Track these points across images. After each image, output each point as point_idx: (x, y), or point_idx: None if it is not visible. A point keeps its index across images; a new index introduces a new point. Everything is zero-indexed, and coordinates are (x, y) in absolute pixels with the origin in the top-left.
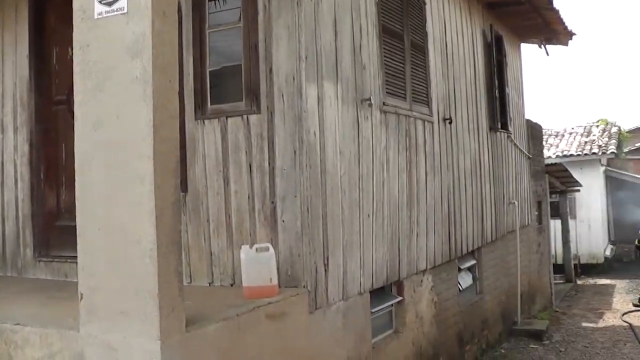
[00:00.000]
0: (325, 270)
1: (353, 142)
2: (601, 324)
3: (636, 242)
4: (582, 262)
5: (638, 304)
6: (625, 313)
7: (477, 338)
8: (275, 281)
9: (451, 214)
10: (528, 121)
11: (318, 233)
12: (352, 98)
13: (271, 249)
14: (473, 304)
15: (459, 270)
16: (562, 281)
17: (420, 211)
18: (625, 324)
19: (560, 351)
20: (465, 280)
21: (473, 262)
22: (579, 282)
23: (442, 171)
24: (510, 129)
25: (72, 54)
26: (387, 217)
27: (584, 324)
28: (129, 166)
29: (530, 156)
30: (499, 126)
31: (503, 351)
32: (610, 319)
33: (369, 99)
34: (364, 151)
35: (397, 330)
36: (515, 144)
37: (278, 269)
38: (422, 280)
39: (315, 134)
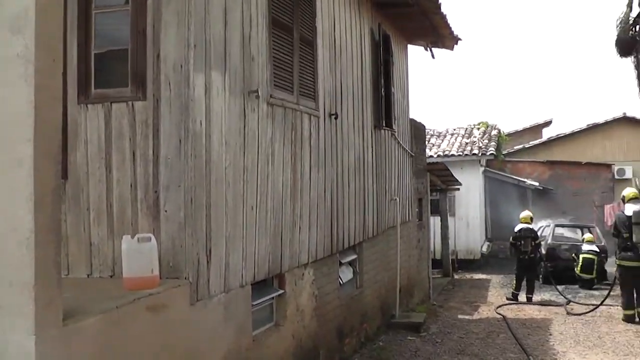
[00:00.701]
0: (208, 262)
1: (239, 133)
2: (476, 316)
3: (511, 239)
4: (460, 257)
5: (511, 297)
6: (500, 306)
7: (357, 331)
8: (156, 272)
9: (334, 209)
10: (412, 120)
11: (201, 224)
12: (240, 89)
13: (153, 240)
14: (353, 297)
15: (340, 264)
16: (440, 276)
17: (303, 205)
18: (499, 316)
19: (437, 342)
20: (346, 274)
21: (354, 256)
22: (456, 276)
23: (327, 166)
24: (395, 127)
25: None
26: (270, 210)
27: (460, 316)
28: (7, 149)
29: (413, 154)
30: (384, 124)
31: (381, 344)
32: (485, 312)
33: (257, 91)
34: (249, 143)
35: (277, 323)
36: (398, 142)
37: (160, 259)
38: (303, 274)
39: (201, 124)
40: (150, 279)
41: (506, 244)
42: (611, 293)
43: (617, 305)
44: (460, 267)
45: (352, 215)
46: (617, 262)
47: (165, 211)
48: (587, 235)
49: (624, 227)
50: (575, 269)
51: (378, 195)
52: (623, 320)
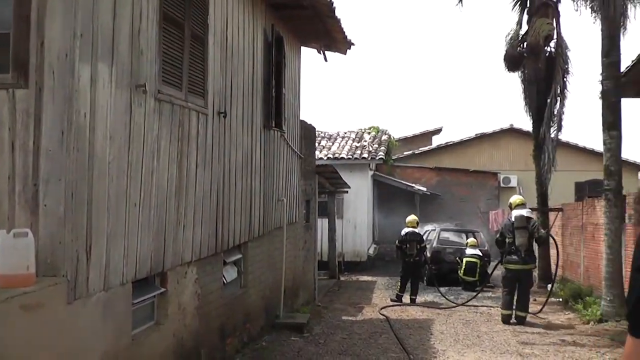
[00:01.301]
0: (87, 259)
1: (124, 128)
2: (360, 317)
3: (397, 242)
4: (346, 259)
5: (395, 299)
6: (384, 307)
7: (239, 331)
8: (32, 269)
9: (220, 208)
10: (302, 122)
11: (82, 220)
12: (127, 83)
13: (30, 235)
14: (237, 297)
15: (225, 263)
16: (326, 277)
17: (188, 203)
18: (383, 317)
19: (320, 343)
20: (230, 273)
21: (239, 256)
22: (342, 278)
23: (214, 165)
24: (284, 128)
25: None
26: (154, 207)
27: (344, 317)
28: None
29: (302, 156)
30: (273, 124)
31: (264, 344)
32: (369, 313)
33: (144, 86)
34: (135, 138)
35: (158, 322)
36: (288, 143)
37: (37, 256)
38: (186, 272)
39: (85, 116)
40: (25, 277)
41: (393, 246)
42: (492, 295)
43: (497, 307)
44: (347, 269)
45: (238, 215)
46: (504, 266)
47: (45, 205)
48: (471, 240)
49: (509, 233)
50: (459, 272)
51: (265, 195)
52: (502, 320)
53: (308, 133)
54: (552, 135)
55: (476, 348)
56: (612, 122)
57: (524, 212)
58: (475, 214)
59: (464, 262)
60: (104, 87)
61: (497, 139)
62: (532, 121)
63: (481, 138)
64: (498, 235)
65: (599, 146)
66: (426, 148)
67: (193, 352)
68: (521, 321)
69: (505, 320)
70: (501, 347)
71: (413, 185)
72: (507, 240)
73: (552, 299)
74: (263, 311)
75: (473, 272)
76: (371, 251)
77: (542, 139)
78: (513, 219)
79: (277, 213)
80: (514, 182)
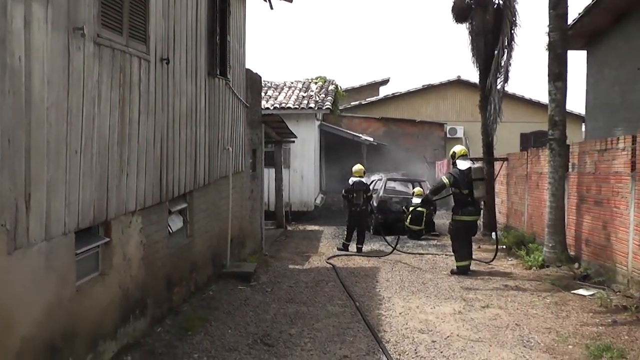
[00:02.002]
0: (27, 208)
1: (63, 72)
2: (307, 266)
3: (343, 191)
4: (293, 209)
5: (342, 247)
6: (331, 257)
7: (186, 281)
8: None
9: (164, 156)
10: (248, 71)
11: (20, 167)
12: (64, 25)
13: None
14: (183, 247)
15: (170, 213)
16: (273, 227)
17: (132, 151)
18: (329, 266)
19: (267, 291)
20: (176, 223)
21: (184, 205)
22: (289, 228)
23: (157, 112)
24: (229, 76)
25: None
26: (96, 155)
27: (291, 266)
28: None
29: (248, 105)
30: (218, 72)
31: (211, 293)
32: (315, 262)
33: (82, 29)
34: (74, 83)
35: (103, 273)
36: (233, 92)
37: None
38: (131, 222)
39: (20, 59)
40: None
41: (339, 196)
42: (437, 243)
43: (442, 254)
44: (294, 218)
45: (183, 164)
46: (458, 218)
47: None
48: (417, 189)
49: (463, 184)
50: (405, 221)
51: (210, 144)
52: (455, 273)
53: (254, 82)
54: (499, 87)
55: (421, 294)
56: (557, 74)
57: (468, 162)
58: (422, 164)
59: (410, 211)
60: (39, 29)
61: (444, 90)
62: (479, 72)
63: (428, 89)
64: (437, 185)
65: (544, 98)
66: (373, 98)
67: (139, 302)
68: (466, 269)
69: (465, 271)
70: (445, 292)
71: (360, 135)
72: (462, 191)
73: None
74: (210, 261)
75: (419, 221)
76: (318, 201)
77: (488, 90)
78: (464, 168)
79: (223, 162)
80: (460, 133)
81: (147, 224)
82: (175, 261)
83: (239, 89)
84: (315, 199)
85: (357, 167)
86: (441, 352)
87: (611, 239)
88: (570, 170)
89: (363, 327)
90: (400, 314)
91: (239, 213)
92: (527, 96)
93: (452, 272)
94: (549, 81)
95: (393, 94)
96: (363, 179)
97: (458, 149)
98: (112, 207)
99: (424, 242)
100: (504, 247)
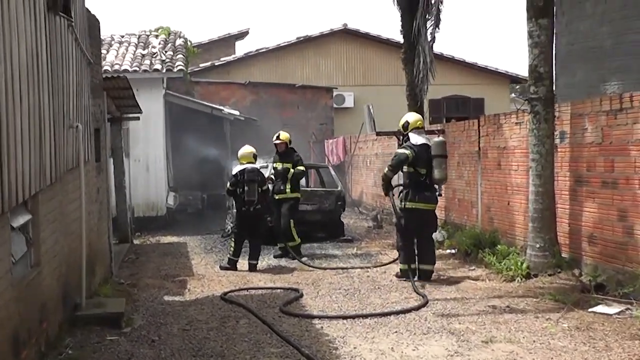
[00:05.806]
0: None
1: None
2: (190, 296)
3: (228, 185)
4: (137, 214)
5: (228, 265)
6: (226, 293)
7: (36, 336)
8: None
9: (2, 137)
10: (87, 11)
11: None
12: None
13: None
14: (29, 283)
15: (12, 229)
16: (116, 241)
17: None
18: (221, 293)
19: (154, 340)
20: (19, 245)
21: (28, 217)
22: (136, 241)
23: None
24: (73, 15)
25: None
26: None
27: (168, 298)
28: None
29: (92, 61)
30: (61, 6)
31: (70, 352)
32: (197, 289)
33: None
34: None
35: None
36: (77, 41)
37: None
38: None
39: None
40: None
41: (195, 194)
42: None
43: (373, 267)
44: (139, 227)
45: (26, 150)
46: (411, 205)
47: None
48: None
49: (421, 162)
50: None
51: (55, 119)
52: (398, 276)
53: (93, 29)
54: (430, 31)
55: (385, 329)
56: (542, 7)
57: (424, 137)
58: (306, 144)
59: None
60: None
61: (326, 44)
62: (401, 13)
63: (304, 42)
64: (396, 159)
65: (458, 54)
66: (230, 58)
67: None
68: (428, 277)
69: (405, 275)
70: (417, 323)
71: (221, 108)
72: (419, 171)
73: (444, 251)
74: (60, 299)
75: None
76: (171, 201)
77: (415, 36)
78: (420, 143)
79: (70, 147)
80: (349, 102)
81: None
82: (23, 307)
83: (81, 36)
84: (167, 199)
85: (246, 149)
86: None
87: (635, 232)
88: (558, 141)
89: None
90: None
91: (87, 223)
92: (436, 51)
93: (397, 276)
94: (529, 18)
95: (257, 50)
96: (256, 166)
97: (413, 118)
98: None
99: (338, 252)
100: (455, 250)
